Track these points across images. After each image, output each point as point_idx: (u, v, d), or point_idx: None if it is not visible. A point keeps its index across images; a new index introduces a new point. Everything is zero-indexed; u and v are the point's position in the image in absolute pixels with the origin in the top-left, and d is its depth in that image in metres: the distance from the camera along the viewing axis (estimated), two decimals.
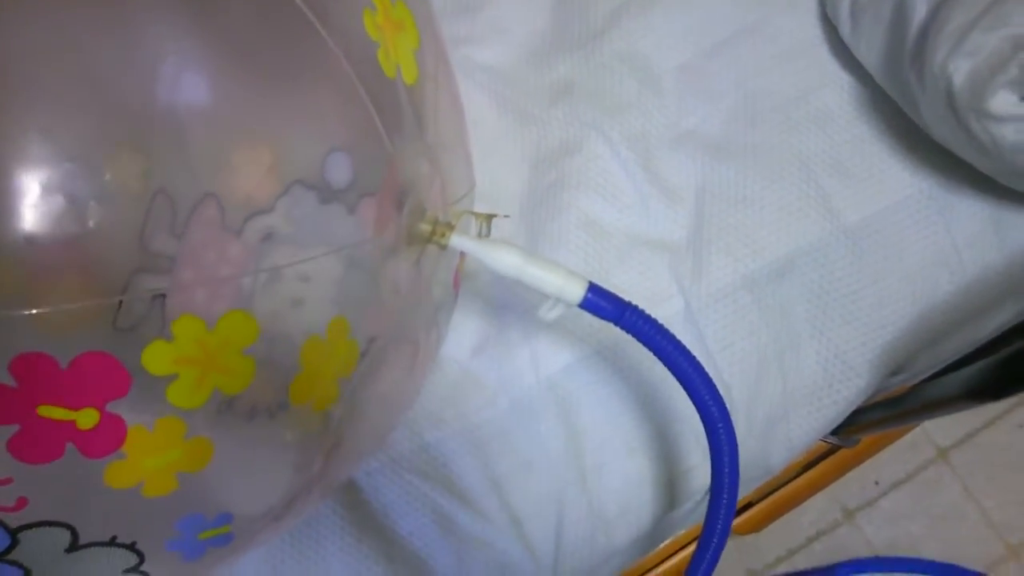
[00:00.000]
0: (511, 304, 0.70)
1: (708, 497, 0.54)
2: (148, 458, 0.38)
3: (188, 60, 0.37)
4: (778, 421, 0.71)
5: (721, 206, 0.73)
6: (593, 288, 0.49)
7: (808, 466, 1.04)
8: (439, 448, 0.68)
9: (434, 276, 0.53)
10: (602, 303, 0.49)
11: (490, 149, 0.73)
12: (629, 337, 0.68)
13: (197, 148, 0.37)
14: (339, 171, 0.41)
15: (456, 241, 0.48)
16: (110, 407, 0.36)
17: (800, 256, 0.71)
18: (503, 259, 0.48)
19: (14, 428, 0.35)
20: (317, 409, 0.45)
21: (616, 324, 0.50)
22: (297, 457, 0.47)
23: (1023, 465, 1.26)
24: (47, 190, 0.32)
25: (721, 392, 0.69)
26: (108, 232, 0.34)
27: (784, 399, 0.71)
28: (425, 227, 0.48)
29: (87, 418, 0.36)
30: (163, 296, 0.35)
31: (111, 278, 0.35)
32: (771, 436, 0.71)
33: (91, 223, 0.34)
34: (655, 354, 0.51)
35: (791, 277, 0.71)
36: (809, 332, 0.71)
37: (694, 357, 0.51)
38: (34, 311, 0.33)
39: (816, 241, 0.72)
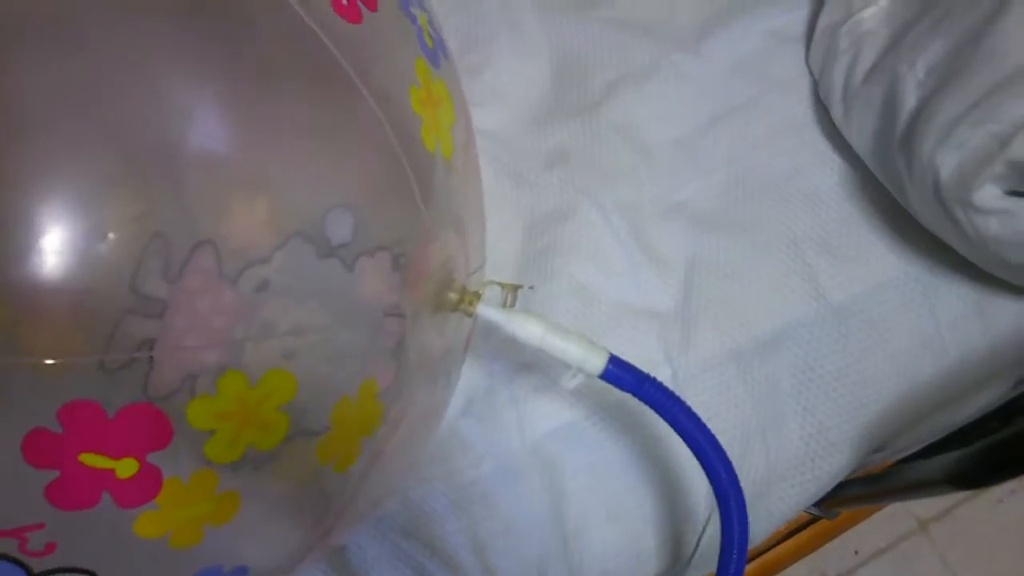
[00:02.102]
0: (500, 365, 0.70)
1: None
2: (179, 510, 0.39)
3: (205, 105, 0.37)
4: (761, 493, 0.71)
5: (710, 278, 0.74)
6: (614, 360, 0.51)
7: (789, 534, 1.04)
8: (423, 507, 0.67)
9: (452, 340, 0.54)
10: (622, 374, 0.51)
11: (485, 211, 0.74)
12: (615, 405, 0.69)
13: (197, 194, 0.37)
14: (340, 226, 0.41)
15: (482, 310, 0.50)
16: (150, 458, 0.37)
17: (787, 332, 0.72)
18: (527, 329, 0.50)
19: (54, 474, 0.35)
20: (338, 469, 0.46)
21: (635, 395, 0.52)
22: (314, 514, 0.48)
23: (1002, 541, 1.27)
24: (44, 228, 0.33)
25: None
26: (100, 273, 0.34)
27: (767, 472, 0.71)
28: (453, 296, 0.50)
29: (126, 468, 0.36)
30: (152, 340, 0.35)
31: (101, 319, 0.35)
32: (754, 507, 0.72)
33: (83, 263, 0.34)
34: (671, 426, 0.52)
35: (777, 352, 0.72)
36: (793, 407, 0.72)
37: (709, 430, 0.52)
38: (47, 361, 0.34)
39: (803, 318, 0.73)
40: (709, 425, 0.70)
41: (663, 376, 0.70)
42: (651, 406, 0.52)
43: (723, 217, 0.76)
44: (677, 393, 0.69)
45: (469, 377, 0.70)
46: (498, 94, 0.80)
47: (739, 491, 0.52)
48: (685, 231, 0.75)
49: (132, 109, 0.36)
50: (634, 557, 0.71)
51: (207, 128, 0.37)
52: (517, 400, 0.70)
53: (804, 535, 1.05)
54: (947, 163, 0.60)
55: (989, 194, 0.57)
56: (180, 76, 0.37)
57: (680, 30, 0.81)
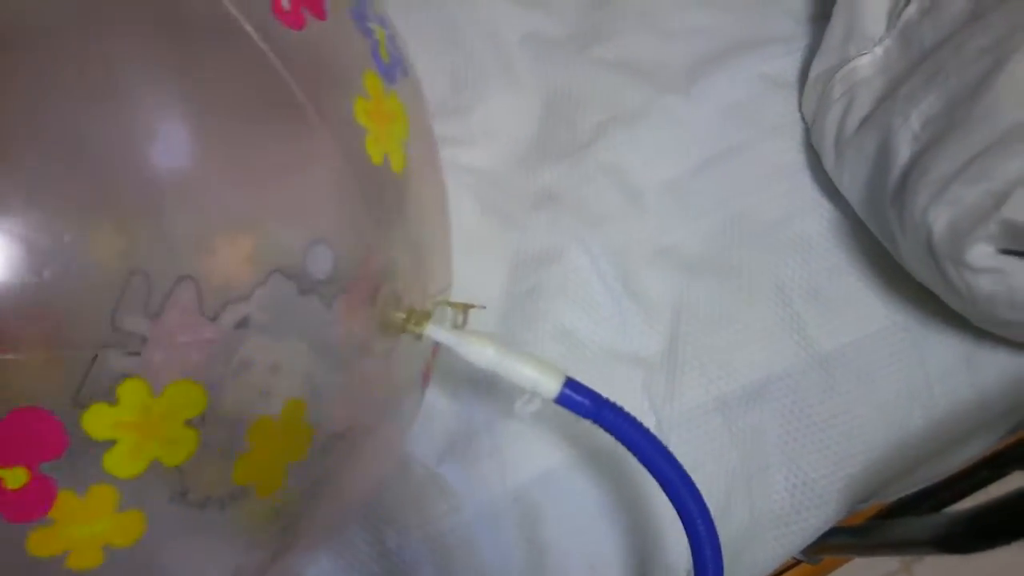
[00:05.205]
0: (483, 411, 0.69)
1: None
2: (75, 527, 0.36)
3: (178, 139, 0.37)
4: (744, 544, 0.70)
5: (697, 325, 0.73)
6: (571, 383, 0.48)
7: None
8: (400, 555, 0.66)
9: (404, 368, 0.52)
10: (579, 398, 0.48)
11: (469, 250, 0.73)
12: (598, 452, 0.68)
13: (179, 230, 0.36)
14: (320, 262, 0.41)
15: (431, 331, 0.48)
16: (42, 468, 0.34)
17: (773, 381, 0.71)
18: (479, 351, 0.47)
19: None
20: (261, 494, 0.43)
21: (593, 421, 0.49)
22: (239, 544, 0.45)
23: None
24: (21, 253, 0.32)
25: None
26: (79, 305, 0.34)
27: (751, 523, 0.70)
28: (399, 316, 0.47)
29: (16, 478, 0.34)
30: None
31: (78, 351, 0.34)
32: (737, 559, 0.71)
33: (62, 293, 0.33)
34: (633, 453, 0.50)
35: (763, 402, 0.71)
36: (779, 458, 0.70)
37: (672, 456, 0.50)
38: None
39: (790, 367, 0.72)
40: (693, 475, 0.69)
41: (648, 424, 0.69)
42: (611, 432, 0.49)
43: (711, 262, 0.75)
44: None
45: (450, 422, 0.69)
46: (488, 133, 0.79)
47: (708, 518, 0.50)
48: (673, 276, 0.74)
49: (111, 143, 0.35)
50: None
51: (185, 164, 0.37)
52: (499, 445, 0.68)
53: None
54: (940, 219, 0.59)
55: (982, 252, 0.57)
56: (154, 113, 0.36)
57: (672, 72, 0.81)
